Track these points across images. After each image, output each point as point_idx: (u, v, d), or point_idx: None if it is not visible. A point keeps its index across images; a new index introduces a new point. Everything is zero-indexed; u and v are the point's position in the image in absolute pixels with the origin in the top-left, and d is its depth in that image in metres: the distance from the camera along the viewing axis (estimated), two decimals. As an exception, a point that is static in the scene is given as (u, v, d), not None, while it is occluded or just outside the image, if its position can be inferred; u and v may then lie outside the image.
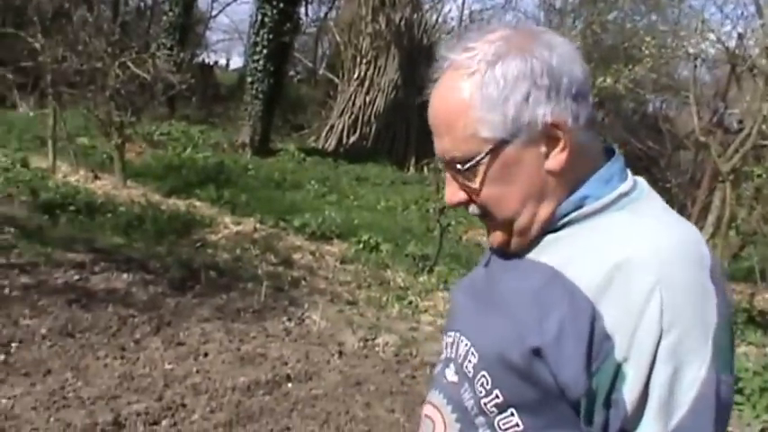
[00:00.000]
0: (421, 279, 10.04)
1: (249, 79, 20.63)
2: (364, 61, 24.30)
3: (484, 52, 1.45)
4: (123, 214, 10.51)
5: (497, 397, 1.50)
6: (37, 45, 13.40)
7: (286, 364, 6.61)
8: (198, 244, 10.09)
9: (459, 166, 1.49)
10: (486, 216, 1.55)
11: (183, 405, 5.61)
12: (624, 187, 1.49)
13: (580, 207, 1.48)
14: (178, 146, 18.06)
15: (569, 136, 1.44)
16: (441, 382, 1.68)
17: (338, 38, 27.20)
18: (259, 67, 20.12)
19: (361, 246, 11.41)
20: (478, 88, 1.44)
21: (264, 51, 20.00)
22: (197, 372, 6.20)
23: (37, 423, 5.03)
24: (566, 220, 1.49)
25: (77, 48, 13.12)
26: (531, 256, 1.53)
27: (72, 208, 10.26)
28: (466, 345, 1.60)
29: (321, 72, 35.25)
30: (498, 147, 1.45)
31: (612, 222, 1.45)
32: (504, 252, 1.61)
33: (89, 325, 6.65)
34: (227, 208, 12.52)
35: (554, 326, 1.39)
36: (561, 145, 1.45)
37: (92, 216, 10.21)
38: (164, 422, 5.34)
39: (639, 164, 21.12)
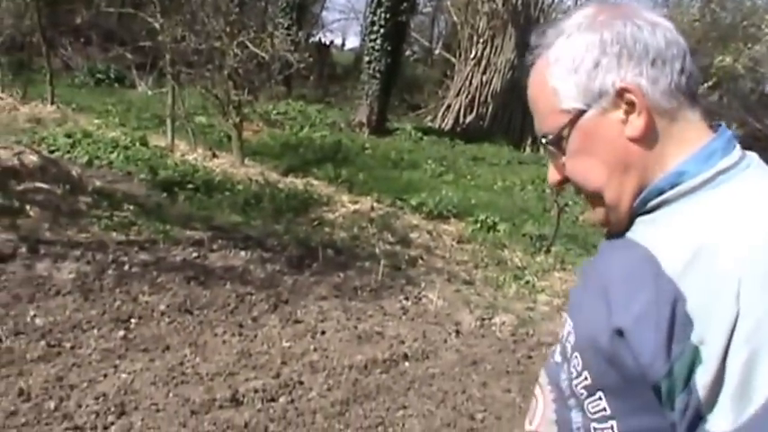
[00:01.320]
0: (538, 259, 9.86)
1: (366, 59, 20.59)
2: (481, 41, 24.04)
3: (557, 31, 1.53)
4: (241, 192, 10.57)
5: (586, 379, 1.52)
6: (156, 25, 13.56)
7: (403, 342, 6.55)
8: (315, 222, 10.08)
9: (546, 140, 1.55)
10: (581, 193, 1.59)
11: (300, 382, 5.61)
12: (724, 164, 1.44)
13: (676, 184, 1.45)
14: (295, 125, 18.17)
15: (646, 100, 1.44)
16: (548, 363, 1.73)
17: (455, 17, 27.00)
18: (376, 47, 20.06)
19: (478, 225, 11.27)
20: (552, 63, 1.51)
21: (381, 31, 19.92)
22: (314, 350, 6.18)
23: (156, 398, 5.07)
24: (661, 198, 1.47)
25: (196, 27, 13.23)
26: (630, 235, 1.52)
27: (190, 186, 10.36)
28: (569, 326, 1.62)
29: (437, 52, 35.11)
30: (576, 117, 1.49)
31: (707, 202, 1.42)
32: (609, 232, 1.62)
33: (207, 302, 6.69)
34: (344, 187, 12.50)
35: (637, 307, 1.38)
36: (638, 110, 1.44)
37: (210, 194, 10.28)
38: (281, 399, 5.34)
39: (757, 144, 20.46)
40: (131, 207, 8.74)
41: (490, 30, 23.94)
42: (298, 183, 12.19)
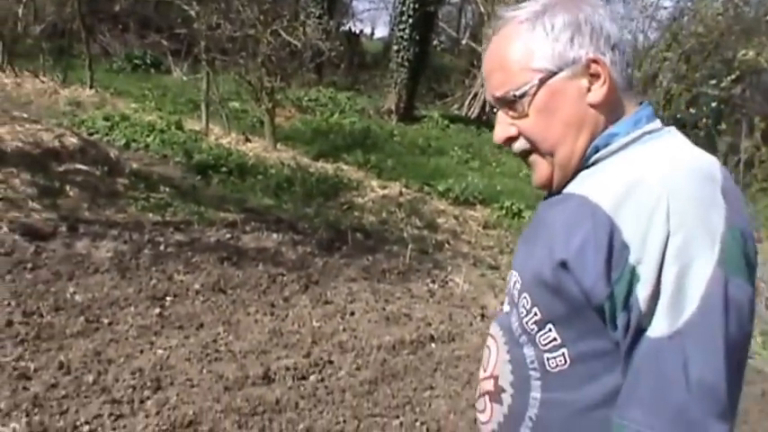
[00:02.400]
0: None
1: (395, 47, 20.66)
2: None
3: (533, 7, 1.71)
4: (273, 176, 10.71)
5: (536, 314, 1.68)
6: (192, 13, 13.70)
7: (430, 324, 6.67)
8: (345, 206, 10.21)
9: (512, 95, 1.69)
10: (532, 151, 1.74)
11: (330, 362, 5.73)
12: (650, 127, 1.68)
13: (609, 144, 1.67)
14: (326, 111, 18.26)
15: (609, 73, 1.65)
16: (498, 315, 1.90)
17: (481, 8, 26.86)
18: (405, 36, 20.13)
19: (503, 211, 11.38)
20: (530, 30, 1.68)
21: (410, 21, 19.98)
22: (344, 330, 6.31)
23: (191, 374, 5.21)
24: (597, 156, 1.68)
25: (230, 15, 13.36)
26: (567, 189, 1.71)
27: (224, 169, 10.52)
28: (516, 276, 1.79)
29: (464, 42, 34.96)
30: (547, 77, 1.66)
31: (635, 153, 1.63)
32: (549, 192, 1.80)
33: (240, 282, 6.84)
34: (373, 172, 12.61)
35: (578, 240, 1.55)
36: (602, 80, 1.65)
37: (243, 177, 10.44)
38: (311, 377, 5.47)
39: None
40: (167, 189, 8.90)
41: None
42: (328, 167, 12.30)
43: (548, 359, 1.67)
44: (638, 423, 1.47)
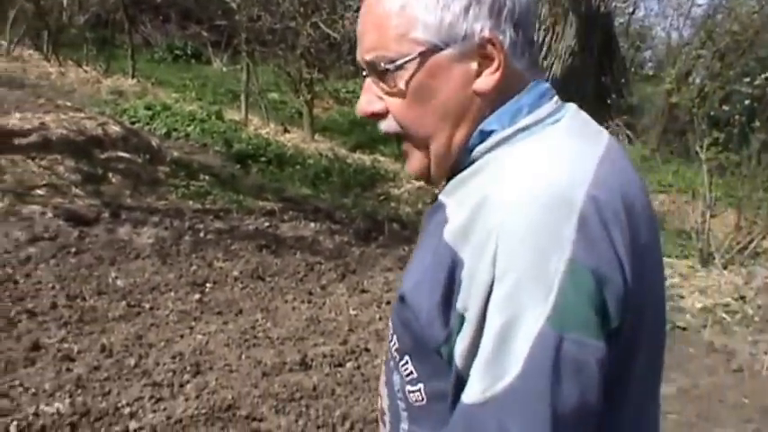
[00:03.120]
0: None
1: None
2: (542, 28, 23.94)
3: None
4: (311, 166, 10.80)
5: (395, 343, 1.45)
6: (233, 5, 13.80)
7: (464, 316, 6.70)
8: (382, 197, 10.27)
9: (384, 65, 1.37)
10: (403, 135, 1.45)
11: (367, 350, 5.78)
12: (527, 121, 1.36)
13: (483, 142, 1.37)
14: (363, 103, 18.30)
15: (505, 58, 1.34)
16: None
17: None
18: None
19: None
20: None
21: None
22: (380, 319, 6.36)
23: (229, 359, 5.29)
24: (471, 156, 1.39)
25: (271, 8, 13.46)
26: (442, 196, 1.43)
27: (263, 159, 10.62)
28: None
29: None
30: (429, 51, 1.34)
31: (499, 160, 1.34)
32: (428, 183, 1.59)
33: (278, 269, 6.92)
34: (409, 164, 12.63)
35: (418, 274, 1.35)
36: (495, 65, 1.34)
37: (281, 167, 10.54)
38: (348, 365, 5.52)
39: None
40: (207, 177, 9.01)
41: (551, 17, 23.83)
42: (365, 159, 12.36)
43: (409, 391, 1.44)
44: None
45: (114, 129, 9.06)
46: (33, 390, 4.58)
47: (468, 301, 1.23)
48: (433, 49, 1.34)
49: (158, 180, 8.40)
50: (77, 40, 17.34)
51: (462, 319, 1.24)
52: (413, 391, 1.43)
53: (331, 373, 5.36)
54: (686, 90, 11.96)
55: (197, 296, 6.13)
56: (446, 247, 1.28)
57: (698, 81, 14.26)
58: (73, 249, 6.38)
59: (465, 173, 1.39)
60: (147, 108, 12.25)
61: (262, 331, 5.77)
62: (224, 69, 19.03)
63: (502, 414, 1.17)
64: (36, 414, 4.35)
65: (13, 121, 8.50)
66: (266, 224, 7.98)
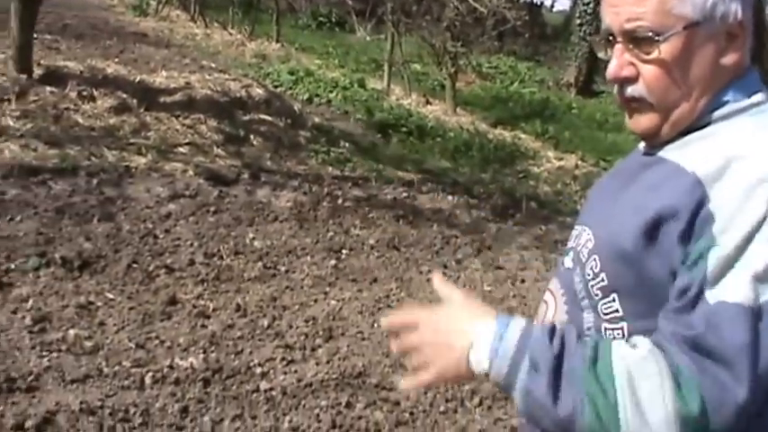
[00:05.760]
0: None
1: (578, 21, 20.31)
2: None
3: None
4: (451, 140, 10.72)
5: (603, 280, 1.54)
6: (381, -25, 13.83)
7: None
8: (521, 174, 10.13)
9: (646, 35, 1.50)
10: (644, 100, 1.57)
11: (502, 327, 5.68)
12: (757, 98, 1.54)
13: (720, 109, 1.53)
14: (506, 79, 18.18)
15: (746, 37, 1.53)
16: (559, 270, 1.74)
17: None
18: (588, 11, 19.73)
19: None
20: None
21: (595, -4, 19.61)
22: (513, 296, 6.26)
23: (361, 326, 5.26)
24: (707, 120, 1.54)
25: (418, -21, 13.44)
26: (663, 153, 1.57)
27: (404, 129, 10.58)
28: (587, 233, 1.63)
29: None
30: (689, 27, 1.48)
31: (740, 125, 1.50)
32: (646, 144, 1.68)
33: (414, 240, 6.86)
34: (550, 143, 12.46)
35: (666, 209, 1.43)
36: (740, 44, 1.52)
37: (422, 138, 10.48)
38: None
39: None
40: (347, 144, 9.02)
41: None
42: (506, 135, 12.22)
43: (606, 329, 1.55)
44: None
45: (258, 91, 9.15)
46: (169, 343, 4.64)
47: (727, 225, 1.36)
48: (695, 25, 1.48)
49: (299, 145, 8.44)
50: (223, 2, 17.66)
51: (713, 239, 1.36)
52: (612, 329, 1.54)
53: (463, 348, 5.28)
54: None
55: (333, 262, 6.12)
56: (698, 184, 1.41)
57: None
58: (212, 208, 6.44)
59: (694, 135, 1.55)
60: (290, 73, 12.36)
61: (395, 301, 5.72)
62: (367, 38, 19.09)
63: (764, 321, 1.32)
64: (170, 367, 4.41)
65: (160, 79, 8.66)
66: (404, 194, 7.93)
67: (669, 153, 1.55)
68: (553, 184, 10.12)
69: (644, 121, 1.60)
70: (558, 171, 10.82)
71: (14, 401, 3.93)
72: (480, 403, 4.77)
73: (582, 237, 1.65)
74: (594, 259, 1.57)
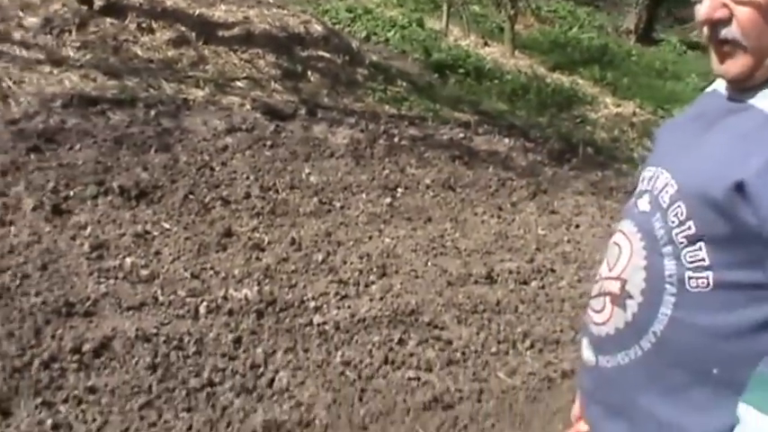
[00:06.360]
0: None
1: (638, -33, 19.96)
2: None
3: None
4: (509, 82, 10.60)
5: (689, 228, 1.52)
6: None
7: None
8: (578, 120, 10.02)
9: None
10: (738, 43, 1.52)
11: (553, 270, 5.69)
12: None
13: None
14: (564, 24, 17.92)
15: None
16: (632, 212, 1.71)
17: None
18: (649, -43, 19.42)
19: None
20: None
21: (657, -59, 19.23)
22: (567, 241, 6.24)
23: (415, 265, 5.28)
24: None
25: None
26: (754, 101, 1.52)
27: (461, 70, 10.48)
28: (666, 177, 1.61)
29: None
30: None
31: None
32: (732, 89, 1.61)
33: (470, 181, 6.82)
34: (608, 89, 12.29)
35: (759, 161, 1.40)
36: None
37: (479, 80, 10.38)
38: (533, 283, 5.45)
39: None
40: (404, 84, 8.95)
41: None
42: (564, 79, 12.07)
43: (689, 278, 1.52)
44: None
45: (316, 28, 9.09)
46: (223, 274, 4.68)
47: None
48: None
49: (356, 82, 8.39)
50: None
51: None
52: (696, 278, 1.51)
53: (515, 290, 5.29)
54: None
55: (388, 200, 6.11)
56: None
57: None
58: (269, 143, 6.43)
59: None
60: (349, 11, 12.27)
61: (450, 241, 5.72)
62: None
63: None
64: (225, 298, 4.46)
65: (218, 13, 8.62)
66: (461, 135, 7.86)
67: (759, 101, 1.51)
68: (610, 130, 10.01)
69: (736, 65, 1.54)
70: (616, 118, 10.70)
71: (72, 325, 3.99)
72: (532, 346, 4.78)
73: (659, 180, 1.63)
74: (679, 206, 1.54)
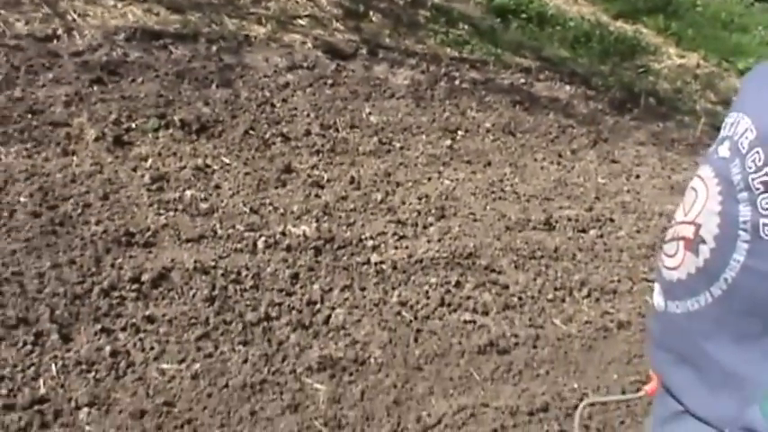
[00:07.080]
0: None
1: None
2: None
3: None
4: (572, 29, 10.44)
5: (766, 174, 1.48)
6: None
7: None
8: (640, 69, 9.86)
9: None
10: None
11: (611, 219, 5.66)
12: None
13: None
14: (630, -29, 17.63)
15: None
16: (712, 158, 1.68)
17: None
18: None
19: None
20: None
21: None
22: (627, 191, 6.19)
23: (474, 208, 5.26)
24: None
25: None
26: None
27: (524, 15, 10.32)
28: (746, 123, 1.57)
29: None
30: None
31: None
32: None
33: (530, 127, 6.77)
34: (672, 39, 12.08)
35: None
36: None
37: (542, 26, 10.22)
38: (591, 231, 5.42)
39: None
40: (466, 27, 8.84)
41: None
42: (627, 28, 11.87)
43: (764, 225, 1.49)
44: None
45: (379, -33, 9.01)
46: (282, 210, 4.70)
47: None
48: None
49: (418, 23, 8.31)
50: None
51: None
52: None
53: (573, 237, 5.27)
54: None
55: (448, 142, 6.08)
56: None
57: None
58: (329, 81, 6.40)
59: None
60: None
61: (509, 185, 5.70)
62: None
63: None
64: (283, 233, 4.48)
65: (281, -51, 8.57)
66: (522, 81, 7.78)
67: None
68: (673, 81, 9.85)
69: None
70: (679, 69, 10.52)
71: (132, 255, 4.04)
72: (589, 294, 4.77)
73: (740, 125, 1.60)
74: (758, 152, 1.51)
